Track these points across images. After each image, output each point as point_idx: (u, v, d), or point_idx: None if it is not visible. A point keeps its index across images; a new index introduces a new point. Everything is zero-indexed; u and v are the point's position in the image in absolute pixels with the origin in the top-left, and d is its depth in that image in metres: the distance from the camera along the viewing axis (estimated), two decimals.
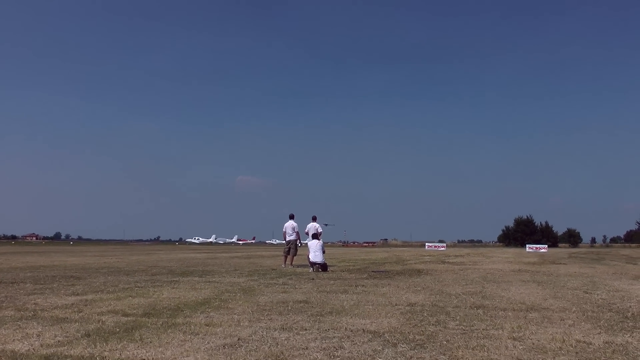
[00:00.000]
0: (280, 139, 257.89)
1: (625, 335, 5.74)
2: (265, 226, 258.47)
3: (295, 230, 17.95)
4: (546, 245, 73.65)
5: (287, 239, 18.03)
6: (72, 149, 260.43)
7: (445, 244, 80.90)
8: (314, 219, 18.58)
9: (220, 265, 18.83)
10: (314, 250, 15.82)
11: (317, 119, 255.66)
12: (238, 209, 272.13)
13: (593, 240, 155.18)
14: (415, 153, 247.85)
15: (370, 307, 7.58)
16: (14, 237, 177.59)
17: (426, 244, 78.38)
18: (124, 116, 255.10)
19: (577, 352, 4.91)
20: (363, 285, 10.82)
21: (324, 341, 5.26)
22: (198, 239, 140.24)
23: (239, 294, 9.06)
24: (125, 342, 5.17)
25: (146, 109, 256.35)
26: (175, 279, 12.21)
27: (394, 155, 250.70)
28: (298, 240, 18.11)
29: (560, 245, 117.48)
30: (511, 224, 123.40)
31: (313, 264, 15.56)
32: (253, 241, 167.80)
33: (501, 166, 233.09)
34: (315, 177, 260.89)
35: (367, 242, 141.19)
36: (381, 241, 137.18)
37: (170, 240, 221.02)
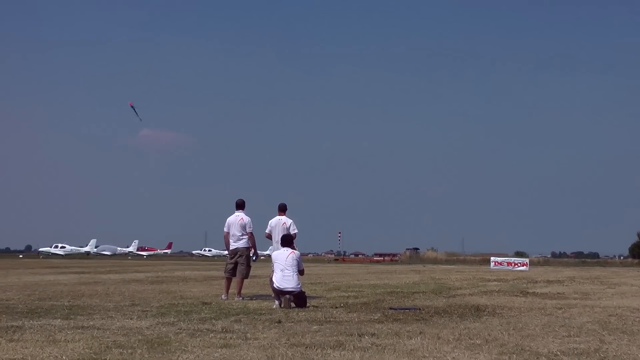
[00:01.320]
0: (214, 66, 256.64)
1: None
2: (190, 224, 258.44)
3: (247, 230, 17.99)
4: None
5: (231, 247, 18.14)
6: None
7: (527, 260, 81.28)
8: (282, 210, 18.53)
9: (103, 297, 18.71)
10: (283, 268, 15.80)
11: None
12: (141, 191, 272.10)
13: None
14: (468, 96, 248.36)
15: None
16: None
17: (491, 258, 78.77)
18: None
19: None
20: (373, 335, 10.80)
21: None
22: (63, 247, 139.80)
23: (139, 352, 8.97)
24: None
25: None
26: (15, 324, 12.05)
27: (429, 103, 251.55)
28: (251, 250, 18.21)
29: None
30: None
31: (280, 294, 15.59)
32: (167, 251, 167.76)
33: (631, 121, 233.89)
34: (280, 135, 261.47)
35: (381, 255, 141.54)
36: (408, 253, 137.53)
37: (8, 250, 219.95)
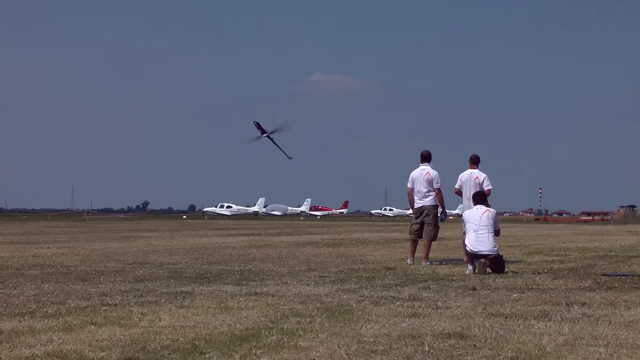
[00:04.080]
0: None
1: None
2: (368, 180, 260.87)
3: (435, 185, 18.12)
4: None
5: (416, 206, 18.27)
6: None
7: None
8: (475, 162, 18.45)
9: (276, 261, 19.20)
10: (477, 229, 15.84)
11: None
12: (312, 143, 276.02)
13: None
14: None
15: (603, 351, 7.47)
16: None
17: None
18: None
19: None
20: (583, 304, 10.70)
21: None
22: (230, 207, 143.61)
23: (319, 321, 9.18)
24: None
25: None
26: (184, 290, 12.57)
27: None
28: (439, 209, 18.28)
29: None
30: None
31: (475, 257, 15.63)
32: (343, 211, 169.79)
33: None
34: (470, 77, 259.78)
35: (590, 213, 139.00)
36: (622, 211, 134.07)
37: (170, 210, 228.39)
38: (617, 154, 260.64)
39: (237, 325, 8.83)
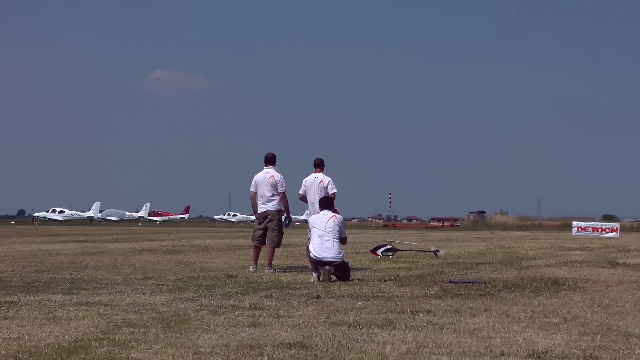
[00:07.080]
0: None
1: None
2: (210, 184, 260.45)
3: (279, 189, 18.14)
4: None
5: (259, 210, 18.29)
6: None
7: (617, 225, 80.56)
8: (319, 166, 18.57)
9: (110, 269, 18.93)
10: (322, 235, 15.93)
11: None
12: (153, 145, 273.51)
13: None
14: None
15: (445, 359, 7.62)
16: None
17: (573, 223, 78.44)
18: None
19: None
20: (429, 312, 10.88)
21: None
22: (62, 212, 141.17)
23: (153, 331, 9.11)
24: None
25: None
26: (9, 299, 12.25)
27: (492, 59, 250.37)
28: (283, 214, 18.32)
29: None
30: None
31: (319, 264, 15.70)
32: (184, 216, 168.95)
33: None
34: (317, 78, 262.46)
35: (440, 219, 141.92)
36: (472, 217, 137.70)
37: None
38: (467, 160, 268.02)
39: (65, 337, 8.70)
